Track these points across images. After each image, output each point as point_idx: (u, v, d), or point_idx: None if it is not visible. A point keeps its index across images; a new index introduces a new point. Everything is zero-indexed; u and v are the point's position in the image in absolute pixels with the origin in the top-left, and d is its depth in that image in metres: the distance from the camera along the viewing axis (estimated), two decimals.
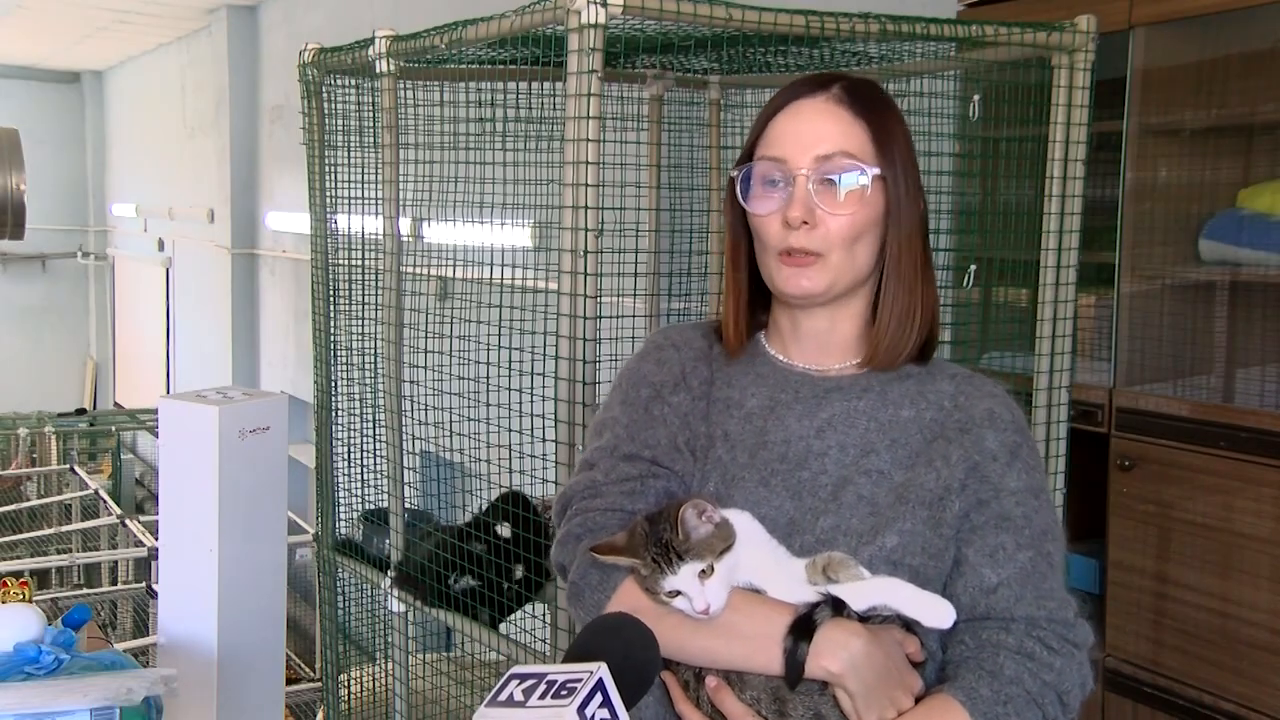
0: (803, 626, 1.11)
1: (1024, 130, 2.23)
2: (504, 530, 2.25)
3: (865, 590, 1.13)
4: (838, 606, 1.12)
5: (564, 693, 0.91)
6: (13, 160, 7.03)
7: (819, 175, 1.21)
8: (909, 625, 1.15)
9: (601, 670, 0.93)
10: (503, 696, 0.93)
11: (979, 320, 2.54)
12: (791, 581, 1.14)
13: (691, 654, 1.15)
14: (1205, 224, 2.32)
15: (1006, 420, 1.23)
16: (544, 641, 2.43)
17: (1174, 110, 2.34)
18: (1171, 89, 2.32)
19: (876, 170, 1.21)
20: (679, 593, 1.11)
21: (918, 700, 1.13)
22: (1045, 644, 1.15)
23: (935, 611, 1.15)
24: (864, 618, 1.13)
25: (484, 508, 2.39)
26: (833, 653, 1.09)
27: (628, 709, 0.93)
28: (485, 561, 2.26)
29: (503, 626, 2.36)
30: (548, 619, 2.52)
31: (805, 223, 1.20)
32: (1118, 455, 2.32)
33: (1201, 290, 2.41)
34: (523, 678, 0.94)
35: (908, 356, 1.26)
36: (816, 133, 1.22)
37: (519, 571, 2.25)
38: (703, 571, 1.10)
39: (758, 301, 1.32)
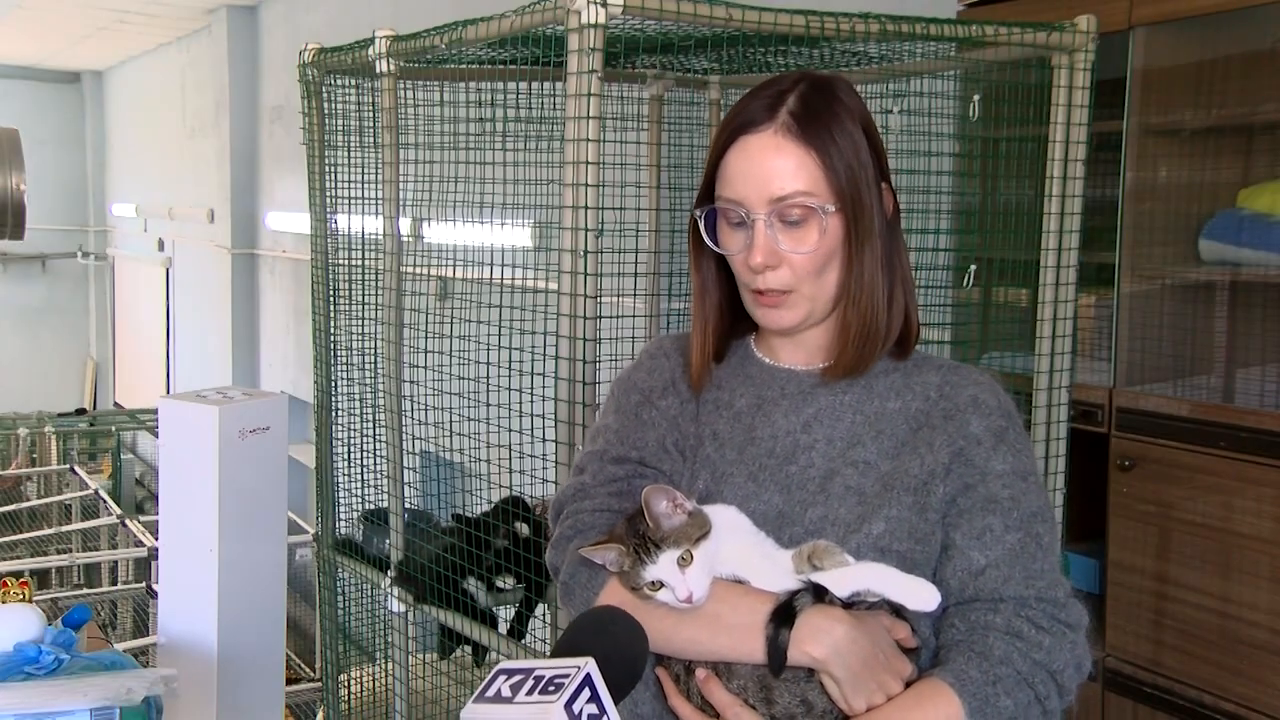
0: (784, 613, 1.11)
1: (1024, 130, 2.23)
2: (522, 529, 2.25)
3: (848, 576, 1.14)
4: (819, 593, 1.12)
5: (551, 688, 0.90)
6: (13, 160, 7.03)
7: (777, 218, 1.20)
8: (898, 611, 1.16)
9: (589, 665, 0.92)
10: (490, 692, 0.92)
11: (979, 320, 2.54)
12: (777, 572, 1.15)
13: (677, 646, 1.16)
14: (1205, 224, 2.32)
15: (991, 405, 1.24)
16: (543, 641, 2.43)
17: (1174, 110, 2.34)
18: (1171, 89, 2.32)
19: (833, 207, 1.20)
20: (661, 584, 1.12)
21: (909, 685, 1.13)
22: (1034, 623, 1.15)
23: (920, 595, 1.15)
24: (849, 604, 1.13)
25: (485, 510, 2.39)
26: (815, 638, 1.10)
27: (616, 703, 0.93)
28: (498, 567, 2.26)
29: (502, 626, 2.36)
30: (547, 619, 2.52)
31: (769, 266, 1.21)
32: (1118, 455, 2.32)
33: (1201, 290, 2.41)
34: (510, 673, 0.94)
35: (873, 359, 1.26)
36: (769, 172, 1.20)
37: (509, 582, 2.25)
38: (681, 559, 1.11)
39: (742, 313, 1.32)
